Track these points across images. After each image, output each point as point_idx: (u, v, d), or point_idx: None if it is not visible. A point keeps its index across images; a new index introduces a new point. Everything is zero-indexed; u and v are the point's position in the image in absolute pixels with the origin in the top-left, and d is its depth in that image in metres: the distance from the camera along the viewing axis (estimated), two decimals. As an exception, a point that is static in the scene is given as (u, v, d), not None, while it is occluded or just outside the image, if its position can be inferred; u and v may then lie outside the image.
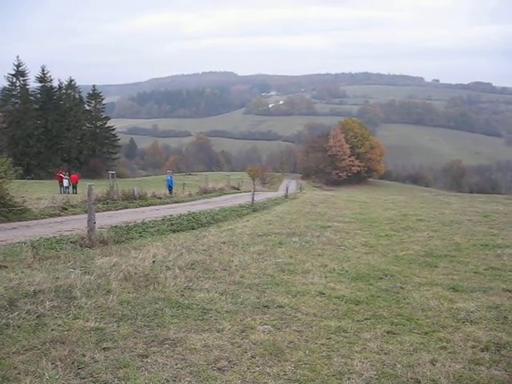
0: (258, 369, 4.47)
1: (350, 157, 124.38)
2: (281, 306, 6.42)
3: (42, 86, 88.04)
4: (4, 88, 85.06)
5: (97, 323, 5.42)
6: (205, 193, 37.02)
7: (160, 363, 4.50)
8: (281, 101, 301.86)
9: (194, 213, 18.27)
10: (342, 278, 8.25)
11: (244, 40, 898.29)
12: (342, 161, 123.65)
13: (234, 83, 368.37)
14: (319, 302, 6.71)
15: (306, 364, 4.60)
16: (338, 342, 5.19)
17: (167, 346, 4.94)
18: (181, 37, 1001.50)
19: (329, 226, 15.54)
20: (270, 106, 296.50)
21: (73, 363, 4.38)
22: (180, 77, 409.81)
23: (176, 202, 27.46)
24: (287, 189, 40.29)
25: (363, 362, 4.63)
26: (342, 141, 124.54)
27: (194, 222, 15.84)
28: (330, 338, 5.30)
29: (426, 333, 5.55)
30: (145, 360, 4.57)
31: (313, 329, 5.61)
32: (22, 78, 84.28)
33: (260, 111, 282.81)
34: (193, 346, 4.92)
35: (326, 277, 8.25)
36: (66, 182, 39.30)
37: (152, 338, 5.11)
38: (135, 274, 7.66)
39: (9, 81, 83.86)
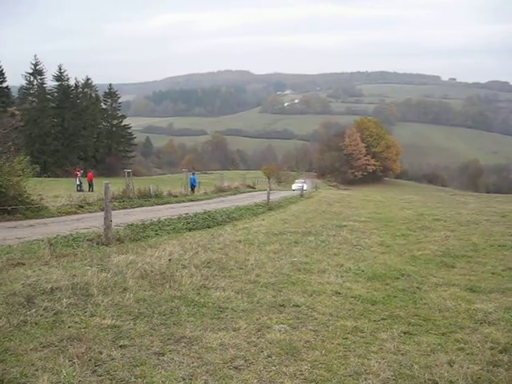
0: (274, 368, 4.46)
1: (365, 156, 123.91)
2: (297, 306, 6.41)
3: (59, 85, 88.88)
4: (22, 87, 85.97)
5: (113, 321, 5.44)
6: (220, 191, 37.01)
7: (176, 361, 4.51)
8: (296, 99, 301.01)
9: (209, 211, 18.29)
10: (358, 277, 8.22)
11: (259, 39, 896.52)
12: (358, 160, 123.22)
13: (249, 82, 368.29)
14: (335, 301, 6.69)
15: (322, 364, 4.58)
16: (354, 342, 5.17)
17: (183, 344, 4.95)
18: (196, 36, 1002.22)
19: (345, 226, 15.47)
20: (286, 104, 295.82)
21: (90, 360, 4.40)
22: (195, 75, 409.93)
23: (192, 201, 27.50)
24: (303, 188, 40.24)
25: (380, 363, 4.61)
26: (357, 140, 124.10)
27: (209, 221, 15.84)
28: (347, 338, 5.28)
29: (444, 334, 5.51)
30: (161, 358, 4.58)
31: (329, 328, 5.59)
32: (39, 77, 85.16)
33: (275, 110, 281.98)
34: (209, 345, 4.92)
35: (342, 276, 8.22)
36: (78, 180, 39.56)
37: (168, 336, 5.12)
38: (151, 272, 7.69)
39: (26, 79, 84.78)
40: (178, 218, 15.93)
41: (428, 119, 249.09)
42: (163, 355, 4.65)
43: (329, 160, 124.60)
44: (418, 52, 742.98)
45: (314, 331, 5.49)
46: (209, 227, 14.96)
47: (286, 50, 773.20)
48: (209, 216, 16.82)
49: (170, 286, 6.97)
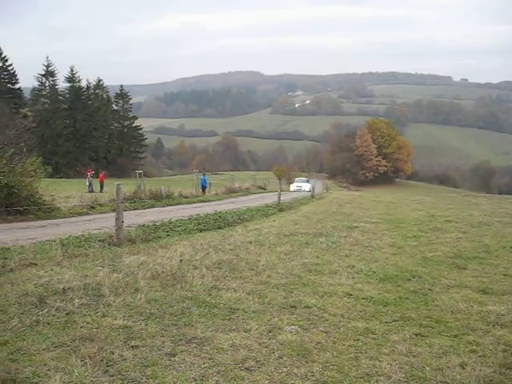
0: (285, 369, 4.45)
1: (376, 157, 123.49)
2: (308, 307, 6.40)
3: (70, 86, 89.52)
4: (34, 88, 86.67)
5: (125, 321, 5.46)
6: (231, 192, 37.00)
7: (187, 362, 4.52)
8: (307, 100, 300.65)
9: (220, 212, 18.32)
10: (369, 279, 8.19)
11: (270, 39, 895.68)
12: (369, 161, 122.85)
13: (260, 83, 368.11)
14: (347, 302, 6.67)
15: (333, 365, 4.57)
16: (365, 344, 5.15)
17: (195, 345, 4.95)
18: (206, 37, 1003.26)
19: (356, 227, 15.42)
20: (297, 105, 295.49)
21: (101, 361, 4.42)
22: (206, 76, 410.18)
23: (203, 202, 27.53)
24: (313, 189, 40.13)
25: (392, 365, 4.59)
26: (368, 141, 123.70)
27: (220, 222, 15.85)
28: (358, 340, 5.26)
29: (456, 336, 5.48)
30: (172, 359, 4.59)
31: (340, 330, 5.57)
32: (51, 78, 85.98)
33: (286, 111, 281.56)
34: (220, 346, 4.93)
35: (353, 278, 8.20)
36: (87, 181, 39.88)
37: (179, 337, 5.13)
38: (163, 272, 7.71)
39: (39, 81, 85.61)
40: (189, 219, 15.95)
41: (439, 120, 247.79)
42: (174, 356, 4.66)
43: (340, 161, 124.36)
44: (430, 52, 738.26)
45: (325, 332, 5.47)
46: (220, 228, 14.98)
47: (296, 50, 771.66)
48: (220, 217, 16.84)
49: (181, 287, 6.99)
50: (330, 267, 9.01)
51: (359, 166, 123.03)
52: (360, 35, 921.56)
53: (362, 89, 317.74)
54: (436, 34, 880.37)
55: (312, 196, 36.30)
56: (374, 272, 8.69)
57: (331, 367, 4.53)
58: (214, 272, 8.06)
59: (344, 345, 5.11)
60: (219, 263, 8.79)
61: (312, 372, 4.42)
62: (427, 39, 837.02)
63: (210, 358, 4.63)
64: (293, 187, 53.59)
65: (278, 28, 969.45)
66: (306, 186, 53.04)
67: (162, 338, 5.08)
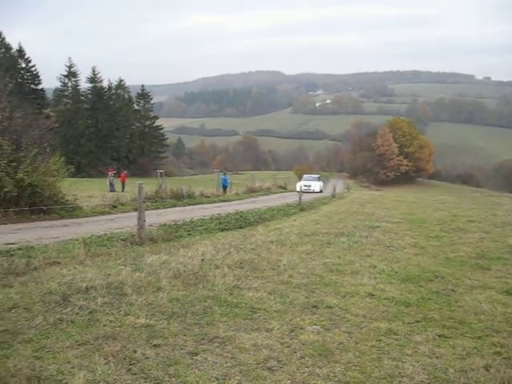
0: (307, 369, 4.44)
1: (398, 156, 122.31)
2: (330, 307, 6.37)
3: (92, 87, 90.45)
4: (56, 89, 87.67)
5: (147, 320, 5.49)
6: (252, 192, 37.05)
7: (210, 361, 4.52)
8: (328, 100, 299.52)
9: (241, 212, 18.33)
10: (391, 279, 8.13)
11: (290, 39, 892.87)
12: (390, 160, 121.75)
13: (280, 82, 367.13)
14: (369, 303, 6.63)
15: (355, 366, 4.55)
16: (388, 345, 5.11)
17: (217, 344, 4.96)
18: (226, 37, 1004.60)
19: (377, 227, 15.32)
20: (317, 104, 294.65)
21: (124, 359, 4.45)
22: (227, 76, 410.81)
23: (223, 201, 27.61)
24: (334, 188, 39.94)
25: (414, 366, 4.55)
26: (390, 140, 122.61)
27: (241, 221, 15.87)
28: (381, 340, 5.23)
29: (479, 337, 5.41)
30: (194, 358, 4.60)
31: (362, 330, 5.54)
32: (73, 79, 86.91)
33: (307, 110, 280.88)
34: (242, 345, 4.93)
35: (375, 278, 8.14)
36: (107, 181, 40.15)
37: (202, 336, 5.14)
38: (184, 271, 7.74)
39: (61, 81, 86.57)
40: (211, 219, 16.00)
41: (462, 119, 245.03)
42: (197, 355, 4.67)
43: (361, 160, 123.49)
44: (451, 51, 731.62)
45: (347, 333, 5.45)
46: (241, 228, 15.00)
47: (317, 49, 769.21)
48: (241, 216, 16.86)
49: (203, 286, 7.00)
50: (351, 267, 8.96)
51: (380, 166, 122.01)
52: (380, 34, 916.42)
53: (382, 88, 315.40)
54: (457, 32, 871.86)
55: (333, 196, 36.17)
56: (396, 272, 8.62)
57: (353, 368, 4.51)
58: (236, 271, 8.07)
59: (366, 345, 5.08)
60: (241, 263, 8.80)
61: (334, 372, 4.40)
62: (449, 37, 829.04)
63: (231, 358, 4.63)
64: (299, 186, 37.94)
65: (299, 27, 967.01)
66: (316, 186, 45.24)
67: (184, 337, 5.10)
